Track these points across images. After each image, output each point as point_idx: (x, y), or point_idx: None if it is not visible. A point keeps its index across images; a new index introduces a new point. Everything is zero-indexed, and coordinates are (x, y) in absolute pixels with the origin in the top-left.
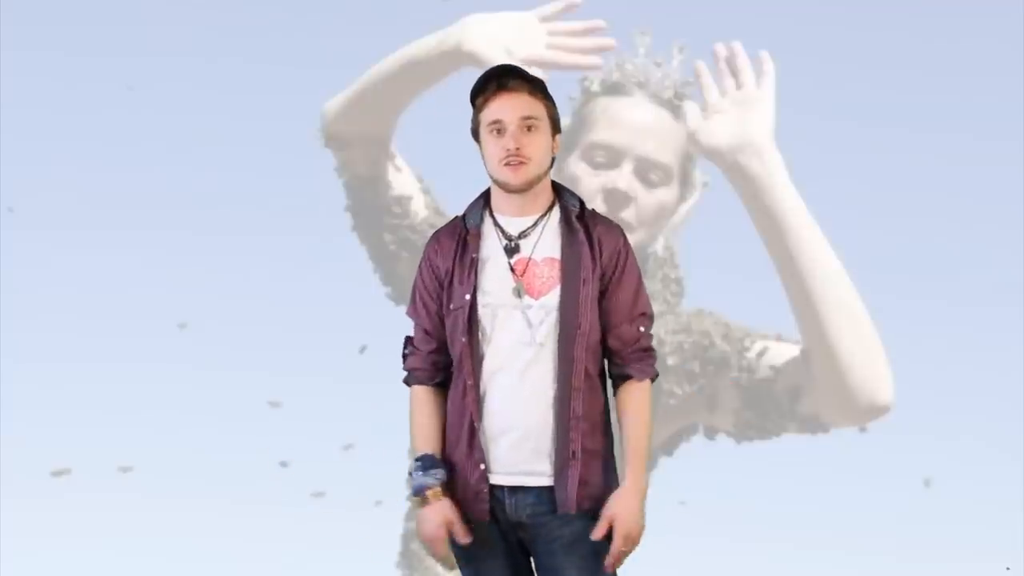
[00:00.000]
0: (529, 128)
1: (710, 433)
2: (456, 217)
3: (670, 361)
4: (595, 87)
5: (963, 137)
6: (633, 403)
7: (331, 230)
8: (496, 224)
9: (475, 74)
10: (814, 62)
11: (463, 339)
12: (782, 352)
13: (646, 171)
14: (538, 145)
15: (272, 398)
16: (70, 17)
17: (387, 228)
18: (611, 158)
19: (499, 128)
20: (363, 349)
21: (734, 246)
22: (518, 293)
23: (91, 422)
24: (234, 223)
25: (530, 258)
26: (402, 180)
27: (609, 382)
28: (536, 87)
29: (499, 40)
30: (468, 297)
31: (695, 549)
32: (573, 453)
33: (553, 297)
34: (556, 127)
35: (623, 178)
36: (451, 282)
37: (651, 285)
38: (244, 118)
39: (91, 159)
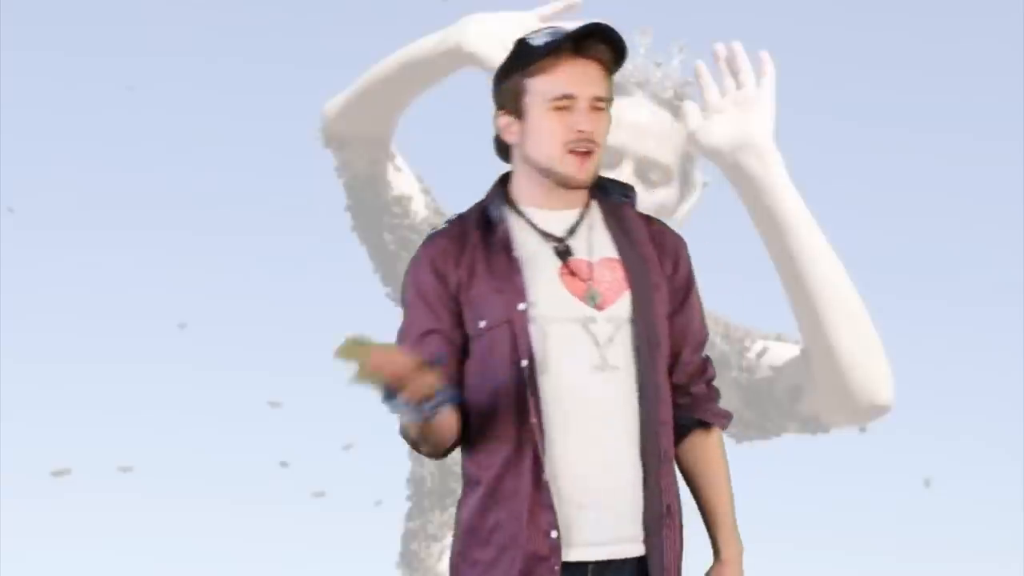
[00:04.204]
0: (599, 110)
1: None
2: (451, 220)
3: None
4: None
5: (963, 137)
6: (716, 455)
7: (331, 230)
8: (528, 220)
9: (475, 74)
10: (814, 62)
11: (517, 365)
12: (782, 352)
13: (646, 171)
14: (604, 132)
15: (272, 398)
16: (70, 17)
17: (387, 228)
18: (611, 158)
19: (567, 104)
20: None
21: (734, 246)
22: (592, 301)
23: (91, 422)
24: (234, 223)
25: (588, 260)
26: (402, 180)
27: None
28: (616, 61)
29: (499, 40)
30: (522, 307)
31: (695, 549)
32: (668, 508)
33: (622, 307)
34: None
35: (623, 178)
36: (468, 293)
37: None
38: (244, 118)
39: (91, 159)
